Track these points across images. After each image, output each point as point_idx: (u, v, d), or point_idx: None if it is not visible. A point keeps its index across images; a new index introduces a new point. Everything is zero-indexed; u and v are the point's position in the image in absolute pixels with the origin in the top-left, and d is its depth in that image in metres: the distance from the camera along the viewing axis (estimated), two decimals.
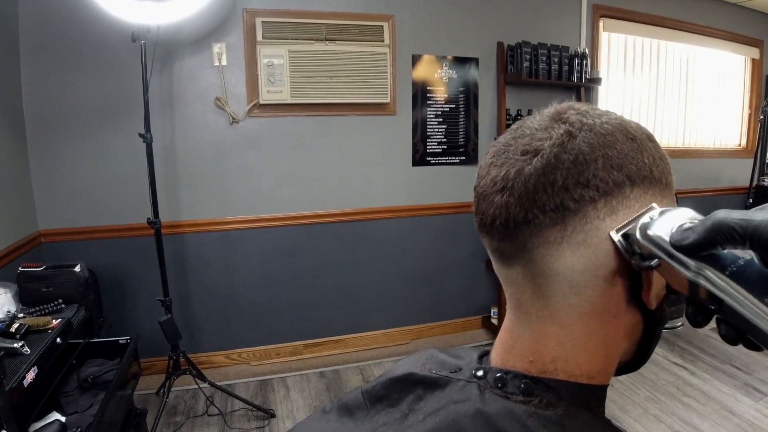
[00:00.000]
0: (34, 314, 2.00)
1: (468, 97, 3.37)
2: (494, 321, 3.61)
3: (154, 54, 2.55)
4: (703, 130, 4.51)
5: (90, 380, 2.08)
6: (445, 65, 3.28)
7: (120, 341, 2.34)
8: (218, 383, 2.80)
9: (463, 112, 3.39)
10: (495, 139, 3.04)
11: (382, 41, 3.07)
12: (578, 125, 0.50)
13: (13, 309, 2.01)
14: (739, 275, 0.40)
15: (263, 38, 2.89)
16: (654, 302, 0.49)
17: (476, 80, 3.36)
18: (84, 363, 2.23)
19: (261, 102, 2.98)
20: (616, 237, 0.47)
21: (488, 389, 0.50)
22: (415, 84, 3.26)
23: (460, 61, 3.31)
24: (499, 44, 3.33)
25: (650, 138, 0.51)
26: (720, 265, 0.41)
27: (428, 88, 3.29)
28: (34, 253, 2.76)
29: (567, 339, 0.50)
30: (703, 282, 0.41)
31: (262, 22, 2.88)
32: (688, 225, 0.43)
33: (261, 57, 2.91)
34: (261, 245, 3.17)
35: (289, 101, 3.00)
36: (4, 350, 1.66)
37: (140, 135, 2.50)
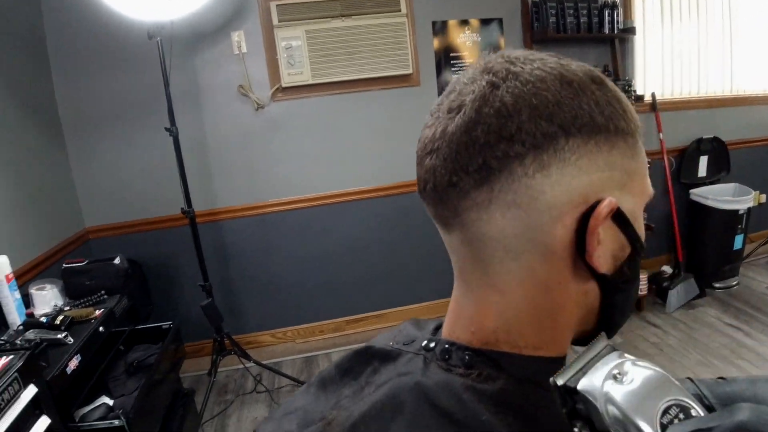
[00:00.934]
0: (79, 306, 2.12)
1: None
2: None
3: (171, 49, 2.62)
4: (753, 75, 4.20)
5: (135, 364, 2.20)
6: (468, 29, 3.20)
7: (163, 326, 2.45)
8: (266, 362, 2.91)
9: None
10: None
11: (399, 11, 3.02)
12: (502, 74, 0.46)
13: (60, 303, 2.14)
14: None
15: (279, 21, 2.91)
16: (608, 265, 0.47)
17: (501, 42, 3.27)
18: (131, 349, 2.36)
19: (283, 85, 3.01)
20: (560, 382, 0.40)
21: (434, 362, 0.49)
22: (437, 52, 3.21)
23: (483, 23, 3.22)
24: (524, 2, 3.21)
25: (595, 80, 0.46)
26: None
27: (452, 54, 3.22)
28: (83, 249, 2.93)
29: (508, 308, 0.48)
30: None
31: (277, 5, 2.90)
32: (676, 409, 0.35)
33: (279, 40, 2.94)
34: (296, 226, 3.23)
35: (311, 82, 3.02)
36: (47, 341, 1.78)
37: (166, 129, 2.59)
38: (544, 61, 0.47)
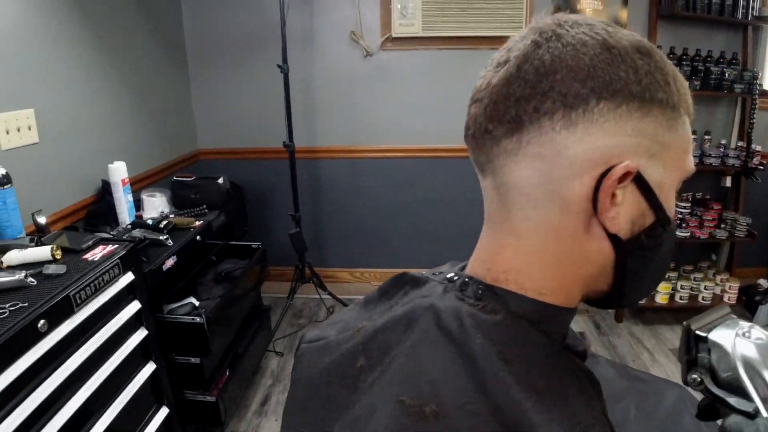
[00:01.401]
0: (182, 216, 2.38)
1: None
2: None
3: None
4: None
5: (223, 274, 2.44)
6: None
7: (252, 246, 2.68)
8: (341, 296, 3.10)
9: None
10: None
11: None
12: (547, 35, 0.49)
13: (166, 210, 2.41)
14: None
15: None
16: (624, 228, 0.49)
17: (624, 14, 3.11)
18: (222, 260, 2.61)
19: (393, 35, 3.08)
20: (690, 330, 0.45)
21: (452, 291, 0.53)
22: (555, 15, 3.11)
23: None
24: None
25: (641, 49, 0.48)
26: None
27: (564, 19, 3.11)
28: (194, 168, 3.24)
29: (522, 252, 0.52)
30: None
31: None
32: None
33: None
34: (387, 174, 3.35)
35: (421, 34, 3.06)
36: (150, 240, 2.04)
37: (278, 66, 2.77)
38: (592, 26, 0.49)
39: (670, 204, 0.52)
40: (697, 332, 0.43)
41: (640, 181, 0.48)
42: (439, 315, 0.51)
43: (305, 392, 0.59)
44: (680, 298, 3.06)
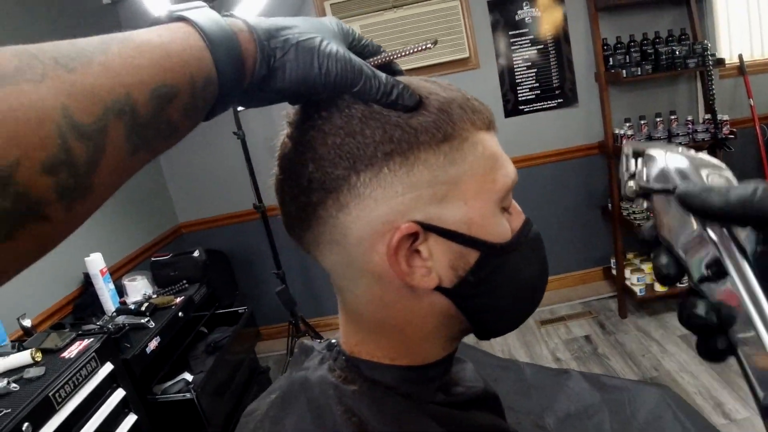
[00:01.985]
0: (164, 294, 2.42)
1: (557, 33, 3.20)
2: (614, 272, 3.27)
3: None
4: None
5: (213, 345, 2.48)
6: (525, 4, 3.15)
7: (239, 311, 2.71)
8: None
9: (553, 52, 3.23)
10: (595, 74, 2.69)
11: None
12: (292, 127, 0.51)
13: (149, 291, 2.46)
14: (753, 257, 0.36)
15: None
16: (449, 277, 0.48)
17: (563, 12, 3.18)
18: (213, 330, 2.65)
19: None
20: (627, 150, 0.44)
21: (327, 361, 0.55)
22: (495, 31, 3.19)
23: None
24: None
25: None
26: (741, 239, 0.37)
27: (510, 32, 3.19)
28: (177, 243, 3.30)
29: (363, 325, 0.54)
30: (715, 238, 0.37)
31: (331, 4, 3.06)
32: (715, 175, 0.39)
33: None
34: None
35: None
36: (131, 325, 2.08)
37: (234, 133, 2.85)
38: (331, 101, 0.48)
39: (493, 230, 0.49)
40: (634, 149, 0.44)
41: (435, 230, 0.47)
42: (310, 389, 0.52)
43: None
44: (680, 282, 3.01)
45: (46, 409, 1.39)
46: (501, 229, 0.50)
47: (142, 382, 1.90)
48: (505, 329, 0.55)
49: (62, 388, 1.46)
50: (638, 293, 3.04)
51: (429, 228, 0.47)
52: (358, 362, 0.53)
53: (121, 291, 2.38)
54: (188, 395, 1.93)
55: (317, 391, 0.52)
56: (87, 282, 2.38)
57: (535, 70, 3.26)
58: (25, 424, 1.30)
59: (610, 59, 3.03)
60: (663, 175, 0.41)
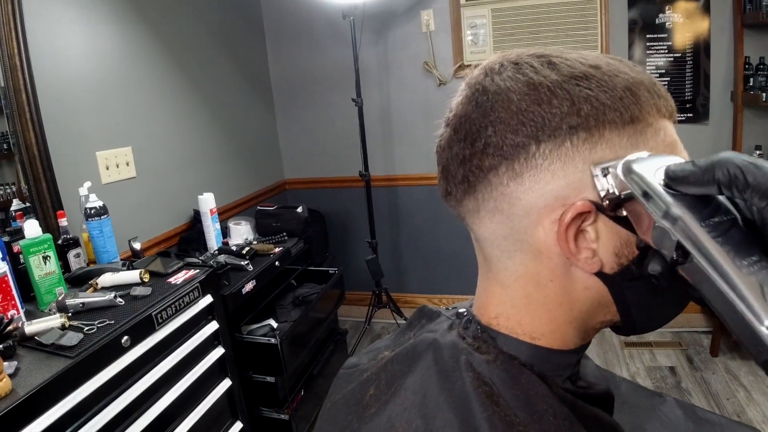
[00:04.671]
0: (264, 242, 2.54)
1: (697, 43, 3.00)
2: None
3: (362, 27, 2.92)
4: None
5: (301, 298, 2.57)
6: (668, 8, 2.96)
7: (329, 271, 2.79)
8: None
9: (690, 63, 3.03)
10: (731, 93, 2.55)
11: None
12: (474, 89, 0.49)
13: (250, 237, 2.58)
14: (719, 229, 0.36)
15: (467, 0, 3.03)
16: (610, 263, 0.47)
17: (707, 23, 2.97)
18: (302, 285, 2.74)
19: (465, 63, 3.13)
20: (596, 171, 0.44)
21: (457, 327, 0.55)
22: (631, 32, 3.04)
23: (687, 3, 2.95)
24: None
25: (576, 76, 0.45)
26: (700, 213, 0.37)
27: (647, 36, 3.02)
28: (280, 197, 3.44)
29: (507, 299, 0.52)
30: (669, 226, 0.37)
31: None
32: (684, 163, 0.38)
33: (465, 19, 3.06)
34: None
35: None
36: (231, 265, 2.19)
37: (353, 99, 2.90)
38: (519, 67, 0.47)
39: None
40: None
41: (605, 212, 0.45)
42: (439, 351, 0.52)
43: (327, 417, 0.62)
44: None
45: (147, 327, 1.50)
46: None
47: (233, 319, 2.00)
48: (651, 327, 0.52)
49: (165, 310, 1.57)
50: None
51: (602, 209, 0.45)
52: (495, 334, 0.52)
53: (224, 232, 2.52)
54: (273, 340, 2.01)
55: (447, 354, 0.51)
56: (196, 218, 2.53)
57: (668, 79, 3.07)
58: (125, 337, 1.41)
59: (751, 80, 2.82)
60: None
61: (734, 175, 0.34)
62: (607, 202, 0.44)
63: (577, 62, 0.47)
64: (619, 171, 0.42)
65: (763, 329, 0.32)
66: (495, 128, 0.46)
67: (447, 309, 0.61)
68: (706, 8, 2.94)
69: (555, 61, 0.47)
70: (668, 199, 0.38)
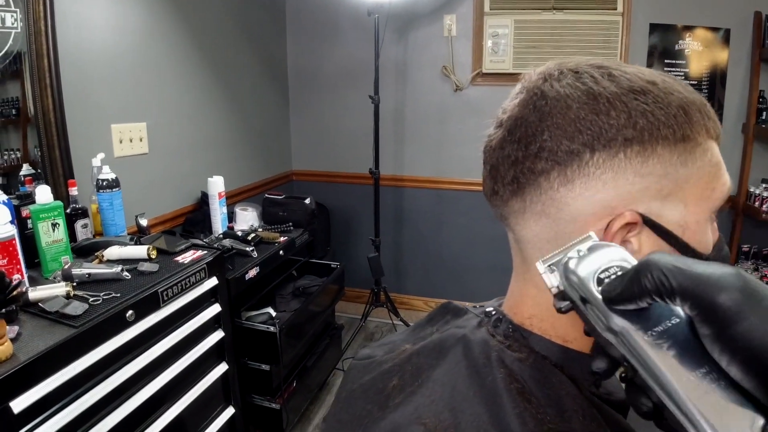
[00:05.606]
0: (269, 230, 2.53)
1: (714, 73, 3.01)
2: None
3: (386, 26, 2.91)
4: None
5: (300, 289, 2.56)
6: (688, 36, 2.98)
7: (332, 265, 2.78)
8: (412, 324, 3.13)
9: (706, 91, 3.04)
10: (743, 125, 2.57)
11: (615, 9, 2.93)
12: (532, 92, 0.49)
13: (256, 224, 2.57)
14: (664, 337, 0.33)
15: (491, 9, 3.03)
16: None
17: (726, 54, 2.99)
18: (302, 276, 2.74)
19: (483, 71, 3.13)
20: (542, 268, 0.42)
21: (486, 325, 0.55)
22: (650, 56, 3.05)
23: (707, 32, 2.97)
24: (756, 14, 2.86)
25: (634, 90, 0.46)
26: (645, 323, 0.34)
27: (666, 61, 3.04)
28: (286, 186, 3.43)
29: (543, 301, 0.52)
30: (613, 339, 0.35)
31: None
32: (616, 269, 0.38)
33: (487, 27, 3.06)
34: (470, 207, 3.36)
35: (511, 71, 3.09)
36: (237, 250, 2.19)
37: (370, 96, 2.90)
38: (579, 75, 0.48)
39: (702, 239, 0.49)
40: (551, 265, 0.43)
41: (653, 226, 0.46)
42: (469, 347, 0.53)
43: (343, 406, 0.62)
44: None
45: (152, 303, 1.49)
46: (707, 239, 0.49)
47: (234, 304, 1.99)
48: None
49: (171, 288, 1.56)
50: None
51: (648, 222, 0.46)
52: (528, 334, 0.53)
53: (230, 217, 2.51)
54: (272, 329, 2.01)
55: (477, 350, 0.52)
56: (203, 200, 2.52)
57: None
58: (130, 311, 1.40)
59: (764, 113, 2.86)
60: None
61: (659, 281, 0.32)
62: (556, 297, 0.41)
63: (635, 76, 0.47)
64: (560, 270, 0.40)
65: None
66: (551, 133, 0.47)
67: (474, 307, 0.62)
68: (726, 39, 2.96)
69: (615, 74, 0.47)
70: (608, 312, 0.35)
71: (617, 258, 0.38)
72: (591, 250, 0.40)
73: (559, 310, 0.40)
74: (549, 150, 0.47)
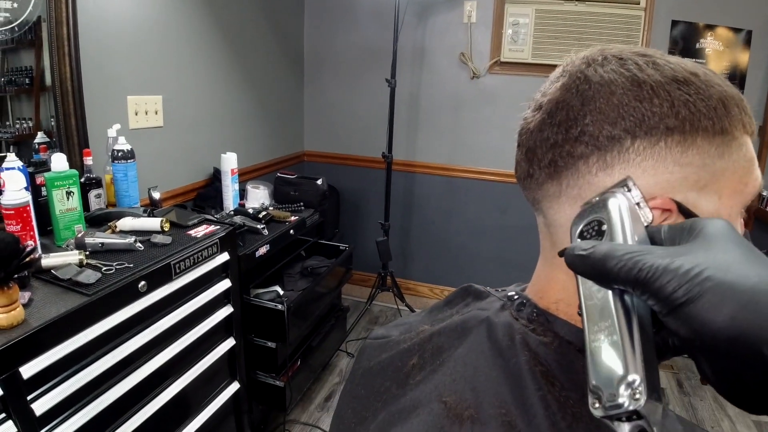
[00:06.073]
0: (280, 209, 2.53)
1: (733, 74, 2.98)
2: None
3: (405, 9, 2.88)
4: None
5: (309, 270, 2.56)
6: (710, 35, 2.95)
7: (340, 247, 2.79)
8: (417, 309, 3.14)
9: None
10: (759, 127, 2.56)
11: (638, 3, 2.89)
12: (575, 76, 0.49)
13: (267, 202, 2.57)
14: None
15: None
16: None
17: (746, 56, 2.95)
18: (310, 256, 2.74)
19: (501, 59, 3.11)
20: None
21: (509, 309, 0.55)
22: (671, 53, 2.99)
23: (729, 32, 2.93)
24: None
25: (677, 80, 0.46)
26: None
27: (686, 58, 3.00)
28: (297, 167, 3.43)
29: (571, 286, 0.50)
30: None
31: None
32: (595, 224, 0.41)
33: (507, 16, 3.03)
34: (480, 196, 3.36)
35: (529, 60, 3.07)
36: (248, 227, 2.19)
37: (386, 80, 2.88)
38: (623, 62, 0.48)
39: None
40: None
41: (687, 215, 0.46)
42: (493, 328, 0.53)
43: (360, 382, 0.62)
44: None
45: (164, 275, 1.50)
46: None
47: (244, 280, 2.00)
48: None
49: (183, 261, 1.56)
50: None
51: (683, 210, 0.46)
52: (553, 319, 0.53)
53: (242, 194, 2.51)
54: (280, 307, 2.01)
55: (501, 332, 0.52)
56: (215, 176, 2.52)
57: None
58: (143, 282, 1.40)
59: None
60: None
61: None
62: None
63: (679, 66, 0.47)
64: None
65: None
66: (593, 117, 0.46)
67: (496, 290, 0.62)
68: (747, 41, 2.92)
69: (659, 62, 0.47)
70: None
71: (595, 214, 0.42)
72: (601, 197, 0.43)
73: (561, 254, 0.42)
74: (590, 134, 0.46)
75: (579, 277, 0.40)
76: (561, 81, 0.51)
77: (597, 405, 0.34)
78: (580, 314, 0.39)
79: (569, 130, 0.48)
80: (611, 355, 0.35)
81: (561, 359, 0.49)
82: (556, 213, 0.52)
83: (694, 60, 0.48)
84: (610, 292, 0.37)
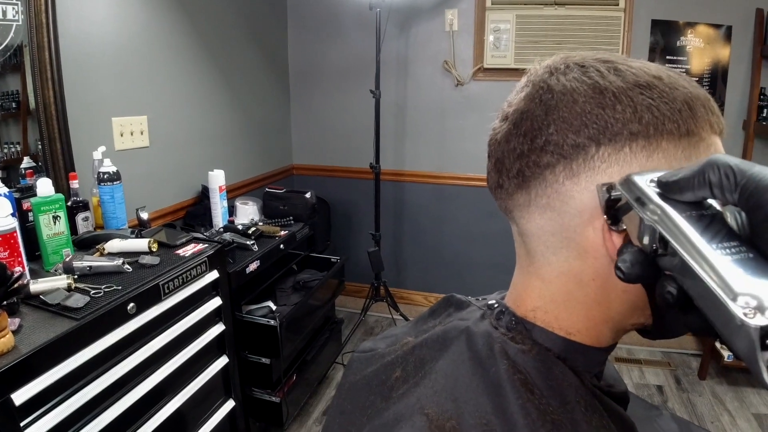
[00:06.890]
0: (270, 224, 2.53)
1: (715, 70, 3.02)
2: None
3: (387, 20, 2.90)
4: None
5: (301, 283, 2.56)
6: (690, 32, 2.98)
7: (332, 259, 2.79)
8: (411, 318, 3.14)
9: (707, 87, 3.04)
10: (743, 122, 2.59)
11: (617, 5, 2.92)
12: (538, 86, 0.50)
13: (256, 218, 2.58)
14: (701, 220, 0.36)
15: (492, 4, 3.02)
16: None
17: (727, 51, 2.98)
18: (302, 270, 2.74)
19: (485, 66, 3.13)
20: (602, 190, 0.45)
21: (489, 318, 0.56)
22: (652, 53, 3.05)
23: (709, 29, 2.97)
24: (758, 11, 2.86)
25: (640, 84, 0.46)
26: (685, 208, 0.37)
27: (667, 57, 3.04)
28: (287, 181, 3.44)
29: (547, 294, 0.53)
30: (649, 217, 0.38)
31: None
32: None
33: (489, 22, 3.05)
34: (471, 203, 3.36)
35: (512, 66, 3.09)
36: (237, 243, 2.19)
37: (371, 91, 2.90)
38: (585, 69, 0.48)
39: None
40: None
41: None
42: (472, 338, 0.53)
43: (346, 397, 0.63)
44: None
45: (153, 296, 1.49)
46: None
47: (235, 297, 2.00)
48: (679, 333, 0.52)
49: (172, 280, 1.56)
50: (726, 358, 2.85)
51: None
52: (531, 326, 0.53)
53: (231, 211, 2.51)
54: (272, 322, 2.01)
55: (480, 342, 0.52)
56: (203, 194, 2.52)
57: None
58: (131, 304, 1.40)
59: (765, 111, 2.86)
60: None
61: (725, 175, 0.34)
62: (606, 213, 0.45)
63: (641, 71, 0.47)
64: (618, 182, 0.43)
65: (731, 304, 0.31)
66: (557, 127, 0.47)
67: (477, 299, 0.62)
68: (728, 36, 2.95)
69: (620, 68, 0.47)
70: (653, 196, 0.39)
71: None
72: (651, 171, 0.43)
73: (613, 213, 0.43)
74: (555, 143, 0.47)
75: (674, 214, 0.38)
76: (525, 91, 0.51)
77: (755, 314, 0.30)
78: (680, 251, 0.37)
79: (534, 140, 0.48)
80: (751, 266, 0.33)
81: (540, 366, 0.49)
82: (528, 222, 0.52)
83: (665, 61, 0.49)
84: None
